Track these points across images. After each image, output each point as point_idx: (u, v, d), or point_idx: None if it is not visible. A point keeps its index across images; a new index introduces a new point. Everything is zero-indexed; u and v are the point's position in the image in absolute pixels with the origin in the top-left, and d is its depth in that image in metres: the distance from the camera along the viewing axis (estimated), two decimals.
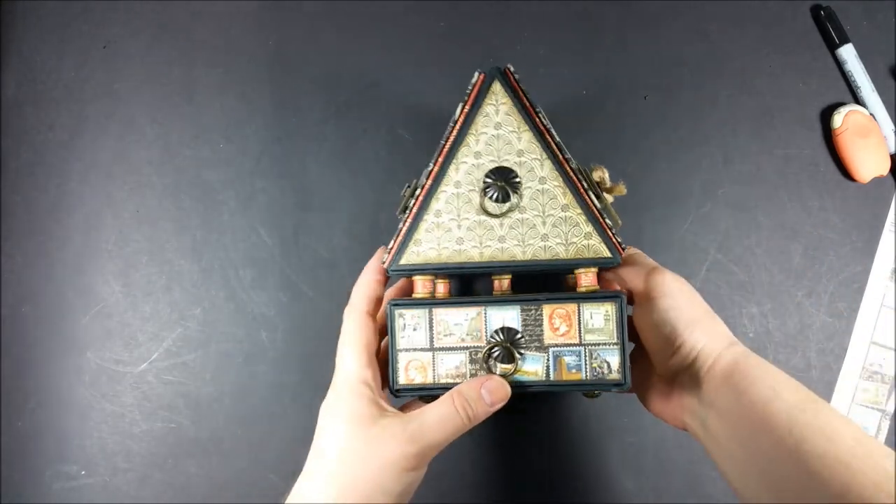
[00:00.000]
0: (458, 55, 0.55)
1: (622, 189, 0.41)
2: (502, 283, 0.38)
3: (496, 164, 0.36)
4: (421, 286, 0.37)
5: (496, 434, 0.51)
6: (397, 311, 0.36)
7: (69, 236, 0.53)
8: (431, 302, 0.36)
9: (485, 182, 0.36)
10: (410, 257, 0.36)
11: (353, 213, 0.53)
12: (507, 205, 0.35)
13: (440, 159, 0.36)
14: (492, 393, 0.34)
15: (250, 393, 0.52)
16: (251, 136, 0.54)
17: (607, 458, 0.51)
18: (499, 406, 0.35)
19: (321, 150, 0.54)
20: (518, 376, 0.36)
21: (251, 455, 0.51)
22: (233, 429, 0.51)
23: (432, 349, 0.36)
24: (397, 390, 0.36)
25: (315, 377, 0.52)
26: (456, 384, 0.35)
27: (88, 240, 0.53)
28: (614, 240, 0.36)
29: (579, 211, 0.36)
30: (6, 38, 0.55)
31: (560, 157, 0.36)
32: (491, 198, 0.35)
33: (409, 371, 0.36)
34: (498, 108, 0.36)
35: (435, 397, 0.35)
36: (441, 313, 0.36)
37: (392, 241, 0.36)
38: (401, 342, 0.36)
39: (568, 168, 0.36)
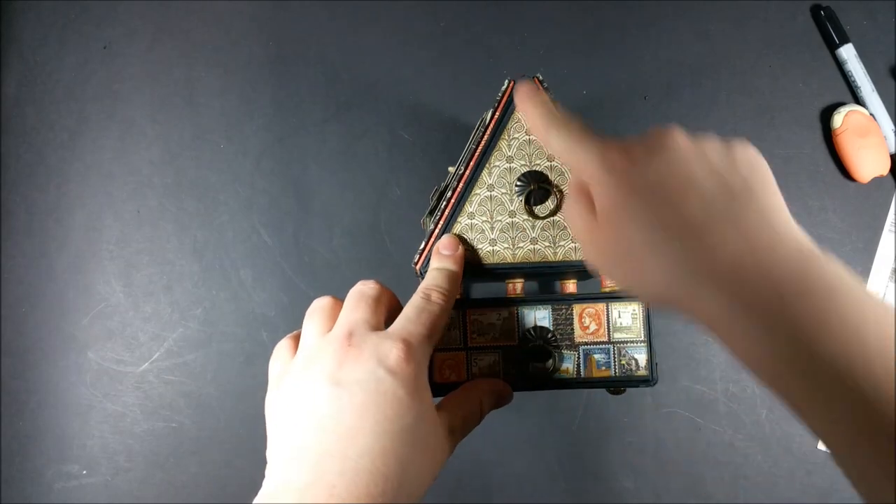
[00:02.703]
0: (458, 55, 0.55)
1: None
2: (515, 286, 0.39)
3: (528, 168, 0.37)
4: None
5: (495, 434, 0.51)
6: None
7: (69, 236, 0.53)
8: (465, 302, 0.37)
9: (517, 185, 0.36)
10: None
11: (353, 212, 0.53)
12: (551, 206, 0.36)
13: (472, 163, 0.37)
14: (504, 397, 0.36)
15: (251, 392, 0.52)
16: (251, 136, 0.54)
17: (607, 458, 0.51)
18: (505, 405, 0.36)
19: (321, 150, 0.54)
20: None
21: (252, 455, 0.51)
22: (234, 428, 0.52)
23: (466, 348, 0.37)
24: (432, 388, 0.37)
25: None
26: None
27: (89, 240, 0.53)
28: None
29: None
30: (6, 38, 0.55)
31: None
32: (533, 202, 0.36)
33: (444, 370, 0.37)
34: None
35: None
36: (475, 313, 0.37)
37: (423, 243, 0.37)
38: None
39: None
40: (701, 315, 0.26)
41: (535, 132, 0.32)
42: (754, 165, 0.28)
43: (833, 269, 0.25)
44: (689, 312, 0.27)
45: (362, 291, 0.33)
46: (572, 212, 0.30)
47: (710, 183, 0.27)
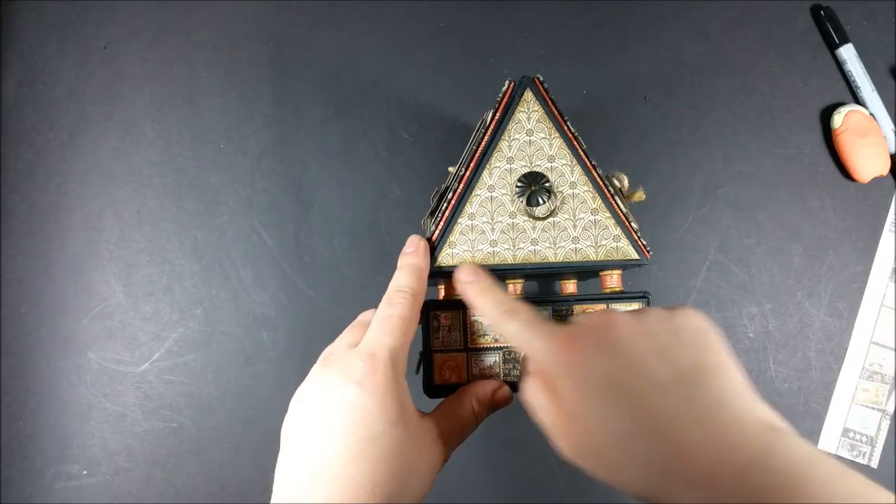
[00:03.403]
0: (458, 55, 0.55)
1: (641, 195, 0.42)
2: (516, 287, 0.39)
3: (528, 169, 0.37)
4: (452, 287, 0.38)
5: (496, 434, 0.51)
6: (432, 313, 0.37)
7: (69, 236, 0.53)
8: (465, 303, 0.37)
9: (518, 186, 0.36)
10: (445, 259, 0.37)
11: (353, 212, 0.53)
12: (552, 207, 0.36)
13: (472, 164, 0.37)
14: (500, 399, 0.36)
15: (251, 393, 0.52)
16: (251, 136, 0.54)
17: None
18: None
19: (321, 150, 0.54)
20: None
21: (252, 454, 0.51)
22: (234, 428, 0.52)
23: (467, 350, 0.37)
24: (432, 389, 0.37)
25: None
26: None
27: (89, 240, 0.53)
28: (640, 242, 0.37)
29: (608, 215, 0.37)
30: (6, 38, 0.55)
31: (588, 163, 0.37)
32: (534, 202, 0.36)
33: (444, 371, 0.37)
34: (530, 116, 0.37)
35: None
36: (475, 314, 0.37)
37: None
38: (436, 343, 0.37)
39: (595, 174, 0.37)
40: None
41: (488, 321, 0.35)
42: (699, 336, 0.28)
43: (797, 446, 0.24)
44: None
45: (356, 318, 0.37)
46: (535, 402, 0.30)
47: (661, 369, 0.26)
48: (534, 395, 0.30)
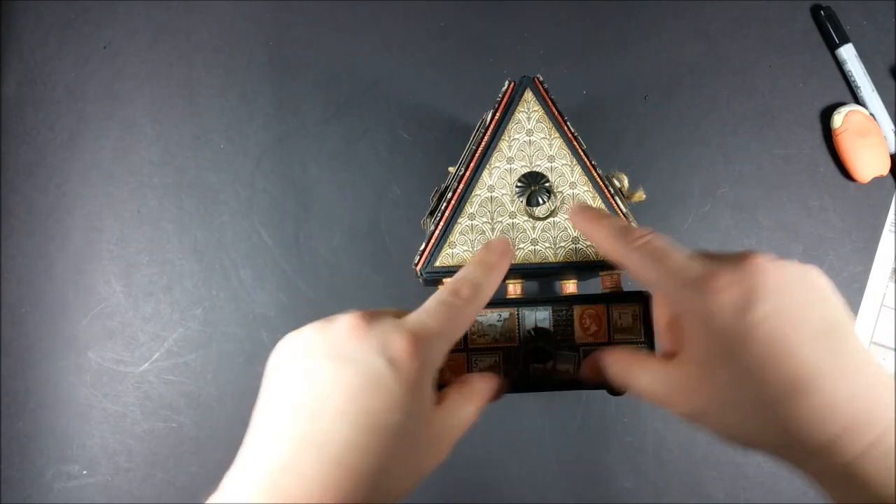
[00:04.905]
0: (457, 55, 0.55)
1: (641, 195, 0.42)
2: (516, 288, 0.39)
3: (528, 169, 0.37)
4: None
5: (495, 434, 0.51)
6: None
7: (69, 236, 0.53)
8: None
9: (518, 186, 0.36)
10: (445, 259, 0.37)
11: (353, 213, 0.53)
12: (552, 207, 0.36)
13: (472, 164, 0.37)
14: (498, 393, 0.34)
15: (251, 393, 0.51)
16: (251, 136, 0.54)
17: (607, 458, 0.51)
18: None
19: (321, 150, 0.54)
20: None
21: None
22: (234, 428, 0.52)
23: (467, 350, 0.37)
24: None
25: None
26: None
27: (89, 240, 0.53)
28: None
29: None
30: (6, 38, 0.55)
31: (588, 163, 0.37)
32: (534, 202, 0.36)
33: (444, 371, 0.37)
34: (530, 116, 0.37)
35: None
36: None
37: (424, 244, 0.37)
38: None
39: (595, 174, 0.37)
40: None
41: (608, 251, 0.31)
42: (831, 293, 0.26)
43: None
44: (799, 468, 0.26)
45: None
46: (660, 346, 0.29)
47: (815, 320, 0.25)
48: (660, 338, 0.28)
